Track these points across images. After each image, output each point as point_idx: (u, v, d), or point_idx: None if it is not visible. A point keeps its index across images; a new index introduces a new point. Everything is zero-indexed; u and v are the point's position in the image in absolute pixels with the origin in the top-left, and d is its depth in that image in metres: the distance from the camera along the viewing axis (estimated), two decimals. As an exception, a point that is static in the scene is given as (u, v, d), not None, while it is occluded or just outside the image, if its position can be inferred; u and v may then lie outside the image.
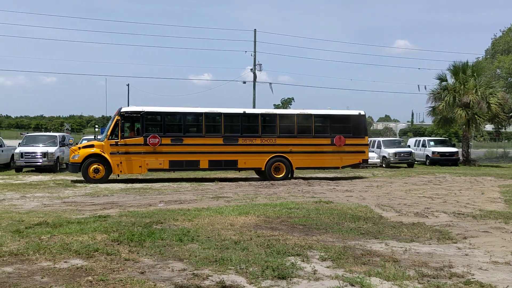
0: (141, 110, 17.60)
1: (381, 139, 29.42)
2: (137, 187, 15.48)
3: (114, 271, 5.39)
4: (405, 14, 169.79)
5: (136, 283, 4.92)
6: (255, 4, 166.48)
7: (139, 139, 17.32)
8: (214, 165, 18.32)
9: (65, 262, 5.76)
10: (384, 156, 27.40)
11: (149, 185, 16.28)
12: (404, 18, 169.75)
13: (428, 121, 45.27)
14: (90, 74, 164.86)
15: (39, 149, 21.72)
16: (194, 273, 5.31)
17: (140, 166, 17.35)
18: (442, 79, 30.08)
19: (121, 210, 10.12)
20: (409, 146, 30.36)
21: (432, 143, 30.56)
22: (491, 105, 27.59)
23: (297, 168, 19.00)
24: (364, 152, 19.60)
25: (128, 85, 59.98)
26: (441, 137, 44.61)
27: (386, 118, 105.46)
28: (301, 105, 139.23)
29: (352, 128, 19.47)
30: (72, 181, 17.27)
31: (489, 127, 46.81)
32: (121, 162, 17.17)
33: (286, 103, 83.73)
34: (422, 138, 32.91)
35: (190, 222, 8.34)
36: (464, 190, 14.76)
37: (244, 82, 39.04)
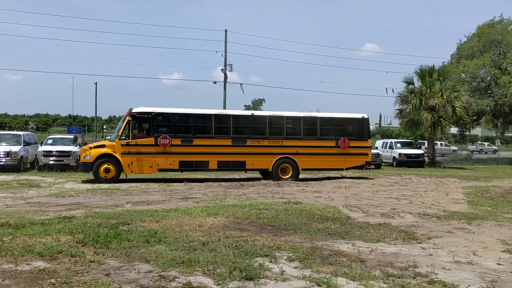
0: (152, 111, 17.84)
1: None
2: (104, 187, 15.21)
3: (78, 273, 5.27)
4: (374, 18, 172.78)
5: (100, 285, 4.82)
6: (226, 4, 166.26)
7: (150, 140, 17.54)
8: (223, 166, 18.61)
9: (28, 264, 5.59)
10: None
11: (116, 185, 16.02)
12: (373, 22, 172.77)
13: (396, 123, 46.17)
14: (57, 72, 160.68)
15: (2, 148, 21.13)
16: (160, 275, 5.24)
17: (150, 166, 17.58)
18: (409, 82, 30.72)
19: (86, 211, 9.91)
20: (376, 148, 30.88)
21: (399, 145, 31.21)
22: (456, 108, 28.35)
23: (303, 169, 19.38)
24: (367, 154, 20.26)
25: (96, 83, 59.17)
26: (407, 139, 45.53)
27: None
28: (272, 106, 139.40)
29: (356, 131, 20.06)
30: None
31: (454, 129, 48.03)
32: (132, 162, 17.35)
33: (257, 103, 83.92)
34: (389, 140, 33.60)
35: (157, 223, 8.24)
36: (429, 191, 15.08)
37: (215, 82, 39.23)
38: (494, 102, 34.47)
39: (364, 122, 20.31)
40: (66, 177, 18.84)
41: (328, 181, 18.62)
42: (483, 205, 11.74)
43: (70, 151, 22.02)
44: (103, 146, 17.69)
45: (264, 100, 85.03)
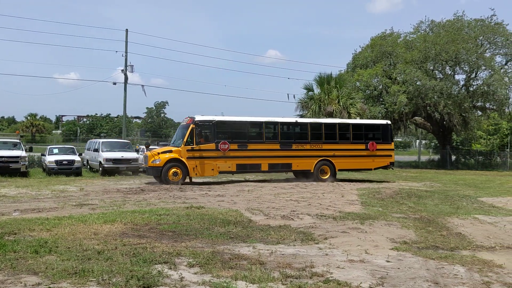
0: (212, 119, 19.61)
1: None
2: (-11, 194, 13.95)
3: (-48, 290, 4.74)
4: (276, 25, 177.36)
5: (-22, 303, 4.38)
6: (127, 3, 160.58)
7: (212, 145, 19.20)
8: (273, 168, 20.55)
9: None
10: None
11: (3, 191, 14.78)
12: (275, 29, 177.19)
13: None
14: None
15: None
16: (50, 287, 4.89)
17: (212, 169, 19.31)
18: (309, 89, 31.93)
19: (-33, 220, 9.00)
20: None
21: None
22: (351, 114, 29.96)
23: (338, 170, 21.53)
24: (391, 156, 22.66)
25: (-19, 81, 54.28)
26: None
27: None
28: (175, 109, 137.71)
29: (381, 135, 22.52)
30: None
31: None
32: (196, 166, 18.96)
33: (160, 106, 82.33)
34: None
35: (48, 232, 7.70)
36: (326, 193, 15.73)
37: (114, 83, 37.38)
38: (385, 109, 36.93)
39: (387, 127, 22.88)
40: None
41: (231, 185, 18.74)
42: (375, 205, 12.48)
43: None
44: (170, 151, 19.05)
45: (167, 102, 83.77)
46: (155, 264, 5.92)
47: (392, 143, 23.40)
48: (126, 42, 34.77)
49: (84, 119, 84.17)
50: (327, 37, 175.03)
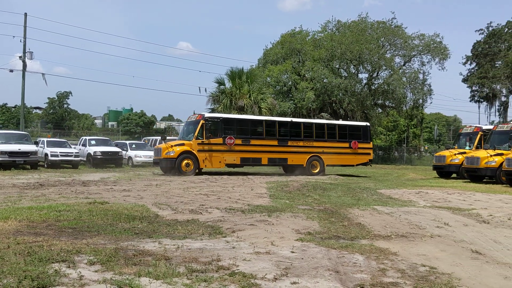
0: (220, 116, 22.44)
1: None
2: None
3: None
4: (187, 17, 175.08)
5: None
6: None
7: (219, 140, 21.38)
8: (271, 162, 23.05)
9: None
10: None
11: None
12: (187, 21, 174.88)
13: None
14: None
15: None
16: None
17: (219, 162, 21.46)
18: (220, 83, 32.02)
19: None
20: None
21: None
22: (262, 109, 30.54)
23: (327, 165, 24.03)
24: (369, 154, 25.56)
25: None
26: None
27: (170, 118, 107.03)
28: (80, 99, 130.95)
29: (362, 135, 25.21)
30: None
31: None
32: (206, 158, 21.06)
33: (63, 97, 77.86)
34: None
35: None
36: (236, 186, 15.84)
37: (11, 71, 35.02)
38: (294, 105, 38.01)
39: (367, 128, 25.80)
40: None
41: (138, 179, 18.22)
42: (283, 198, 12.76)
43: None
44: (182, 144, 20.95)
45: (71, 93, 79.35)
46: (52, 263, 5.56)
47: (371, 142, 26.26)
48: (25, 26, 32.52)
49: (-23, 109, 77.42)
50: (239, 32, 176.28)
